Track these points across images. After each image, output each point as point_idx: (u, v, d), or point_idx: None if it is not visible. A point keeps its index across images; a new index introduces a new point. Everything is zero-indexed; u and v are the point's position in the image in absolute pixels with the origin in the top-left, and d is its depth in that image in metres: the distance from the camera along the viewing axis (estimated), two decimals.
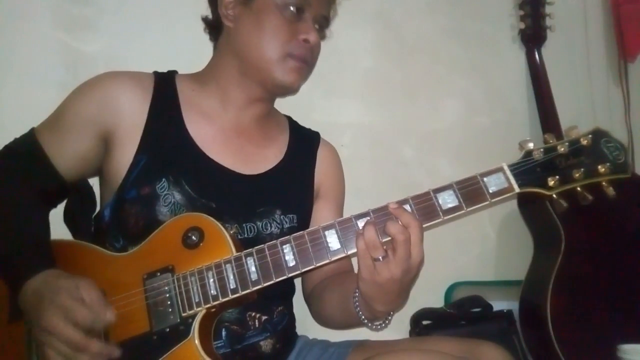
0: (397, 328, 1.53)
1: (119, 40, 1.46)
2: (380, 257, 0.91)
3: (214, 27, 1.23)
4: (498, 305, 1.57)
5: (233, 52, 1.17)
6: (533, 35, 1.74)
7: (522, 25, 1.75)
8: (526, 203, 1.66)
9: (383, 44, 1.70)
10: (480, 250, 1.74)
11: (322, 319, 1.22)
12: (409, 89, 1.72)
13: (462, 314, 1.53)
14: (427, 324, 1.52)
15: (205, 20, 1.26)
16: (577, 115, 1.79)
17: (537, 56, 1.75)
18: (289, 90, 1.18)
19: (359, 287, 0.95)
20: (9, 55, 1.39)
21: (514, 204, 1.69)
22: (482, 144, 1.73)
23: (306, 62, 1.15)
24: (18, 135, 1.15)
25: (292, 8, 1.12)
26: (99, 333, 0.93)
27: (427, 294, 1.64)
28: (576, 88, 1.84)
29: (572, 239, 1.53)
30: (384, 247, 0.91)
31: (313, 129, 1.36)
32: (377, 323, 1.03)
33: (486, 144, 1.73)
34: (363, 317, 1.01)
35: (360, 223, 0.94)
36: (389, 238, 0.91)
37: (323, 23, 1.20)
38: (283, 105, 1.40)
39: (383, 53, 1.70)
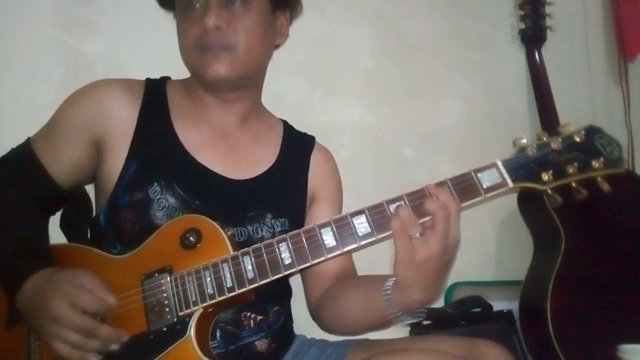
0: (397, 328, 1.52)
1: (119, 40, 1.46)
2: (417, 234, 0.90)
3: None
4: (498, 305, 1.56)
5: None
6: (533, 35, 1.74)
7: (522, 25, 1.75)
8: (526, 203, 1.66)
9: (383, 44, 1.70)
10: (480, 250, 1.74)
11: (339, 323, 1.17)
12: (409, 89, 1.72)
13: (462, 314, 1.52)
14: (427, 324, 1.52)
15: None
16: (577, 116, 1.79)
17: (537, 56, 1.75)
18: (222, 80, 1.11)
19: (396, 272, 0.93)
20: (9, 55, 1.39)
21: (514, 204, 1.68)
22: (482, 144, 1.73)
23: (219, 47, 1.09)
24: (18, 135, 1.15)
25: (187, 6, 1.11)
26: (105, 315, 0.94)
27: None
28: (576, 88, 1.84)
29: (572, 239, 1.53)
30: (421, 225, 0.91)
31: (313, 129, 1.36)
32: (408, 317, 1.00)
33: (486, 144, 1.72)
34: (394, 310, 0.97)
35: (356, 220, 0.95)
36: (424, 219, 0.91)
37: None
38: (283, 105, 1.40)
39: (383, 53, 1.70)
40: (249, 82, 1.19)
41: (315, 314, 1.24)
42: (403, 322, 1.02)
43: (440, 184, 0.95)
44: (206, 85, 1.16)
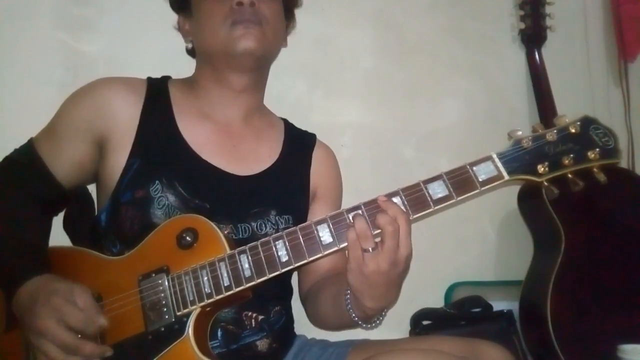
0: (397, 328, 1.53)
1: (119, 40, 1.47)
2: (370, 249, 0.90)
3: (192, 51, 1.28)
4: (498, 305, 1.56)
5: (200, 53, 1.22)
6: (533, 35, 1.74)
7: (522, 25, 1.75)
8: (526, 202, 1.66)
9: (383, 44, 1.71)
10: (480, 250, 1.74)
11: (317, 320, 1.22)
12: (409, 89, 1.72)
13: (462, 314, 1.52)
14: (427, 324, 1.52)
15: (187, 52, 1.29)
16: (577, 115, 1.79)
17: (537, 56, 1.75)
18: (252, 53, 1.13)
19: (348, 280, 0.95)
20: (9, 55, 1.39)
21: (514, 203, 1.68)
22: (482, 144, 1.72)
23: (252, 21, 1.12)
24: (18, 135, 1.15)
25: None
26: (94, 336, 0.93)
27: (427, 294, 1.64)
28: (576, 88, 1.84)
29: (572, 238, 1.53)
30: (375, 239, 0.91)
31: (313, 129, 1.36)
32: (369, 322, 1.02)
33: (486, 144, 1.71)
34: (354, 315, 1.01)
35: (352, 216, 0.94)
36: (379, 230, 0.91)
37: None
38: (283, 105, 1.40)
39: (383, 53, 1.70)
40: (265, 65, 1.23)
41: (303, 307, 1.27)
42: (365, 327, 1.03)
43: (391, 195, 0.94)
44: (230, 61, 1.15)
